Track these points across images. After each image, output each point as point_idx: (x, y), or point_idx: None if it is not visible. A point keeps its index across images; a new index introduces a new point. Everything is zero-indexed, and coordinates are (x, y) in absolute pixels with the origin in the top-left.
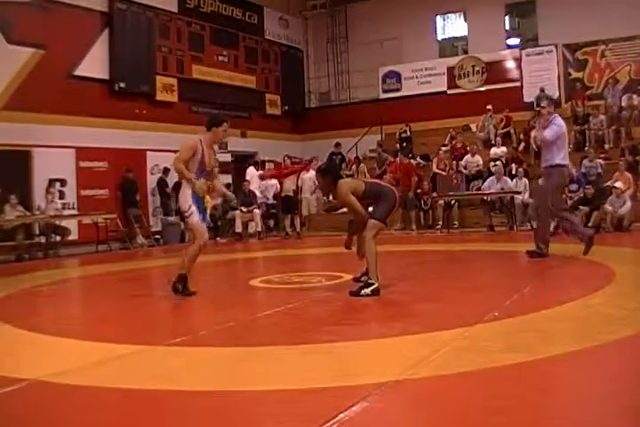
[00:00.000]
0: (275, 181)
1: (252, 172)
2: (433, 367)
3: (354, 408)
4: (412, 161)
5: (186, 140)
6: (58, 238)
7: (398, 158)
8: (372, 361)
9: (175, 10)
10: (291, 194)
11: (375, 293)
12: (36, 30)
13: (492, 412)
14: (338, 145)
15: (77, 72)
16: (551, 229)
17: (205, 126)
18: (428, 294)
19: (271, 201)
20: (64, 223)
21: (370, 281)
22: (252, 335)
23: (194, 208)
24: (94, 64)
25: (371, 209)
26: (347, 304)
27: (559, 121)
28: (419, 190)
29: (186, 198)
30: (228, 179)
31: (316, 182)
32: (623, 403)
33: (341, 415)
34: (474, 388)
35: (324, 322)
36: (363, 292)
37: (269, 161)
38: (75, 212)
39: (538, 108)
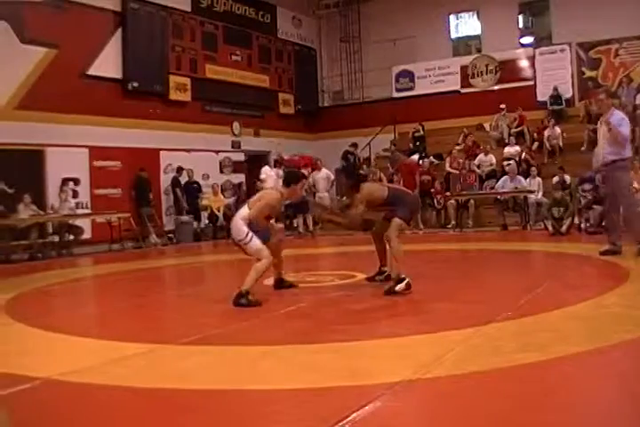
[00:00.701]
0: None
1: (267, 170)
2: (446, 367)
3: (366, 408)
4: (424, 160)
5: (270, 193)
6: (71, 237)
7: (414, 158)
8: (384, 361)
9: (188, 9)
10: (302, 193)
11: (408, 286)
12: (50, 30)
13: (506, 412)
14: (355, 145)
15: (91, 71)
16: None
17: (284, 182)
18: (440, 294)
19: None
20: (77, 222)
21: (402, 276)
22: (265, 334)
23: (251, 234)
24: (107, 64)
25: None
26: (359, 303)
27: (621, 114)
28: (432, 190)
29: (239, 228)
30: (241, 178)
31: (329, 181)
32: (637, 403)
33: (354, 415)
34: (488, 388)
35: (336, 321)
36: (397, 288)
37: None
38: (88, 211)
39: (601, 97)
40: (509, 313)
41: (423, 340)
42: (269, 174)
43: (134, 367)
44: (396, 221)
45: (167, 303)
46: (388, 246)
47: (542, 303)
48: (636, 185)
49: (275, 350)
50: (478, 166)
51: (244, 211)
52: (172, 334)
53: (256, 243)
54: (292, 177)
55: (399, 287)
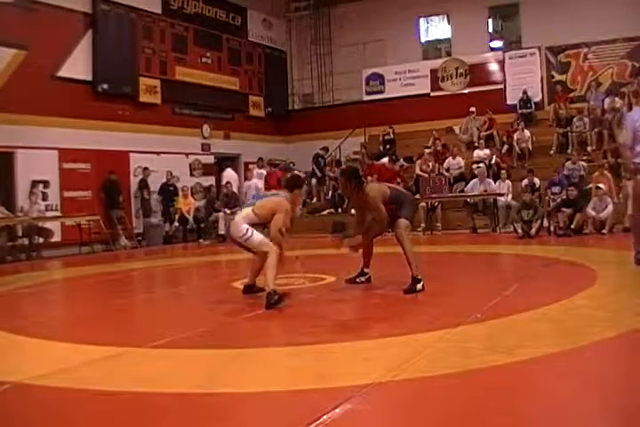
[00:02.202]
0: (254, 182)
1: (229, 174)
2: (415, 369)
3: (337, 410)
4: (395, 163)
5: (279, 202)
6: (41, 240)
7: (384, 162)
8: (354, 363)
9: (159, 11)
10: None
11: (422, 287)
12: (19, 31)
13: (473, 414)
14: (325, 149)
15: (60, 73)
16: (533, 231)
17: (287, 187)
18: (410, 296)
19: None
20: (47, 225)
21: (418, 277)
22: (236, 337)
23: (251, 229)
24: (77, 65)
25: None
26: (329, 306)
27: None
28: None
29: (238, 226)
30: (210, 180)
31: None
32: (604, 404)
33: (324, 417)
34: (457, 390)
35: (306, 324)
36: (417, 288)
37: (253, 163)
38: (58, 213)
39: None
40: (479, 315)
41: (393, 342)
42: (233, 178)
43: (104, 371)
44: (403, 221)
45: (137, 306)
46: (401, 247)
47: (511, 305)
48: (602, 186)
49: (245, 353)
50: (447, 169)
51: (247, 211)
52: (142, 338)
53: (258, 236)
54: (296, 182)
55: (418, 288)
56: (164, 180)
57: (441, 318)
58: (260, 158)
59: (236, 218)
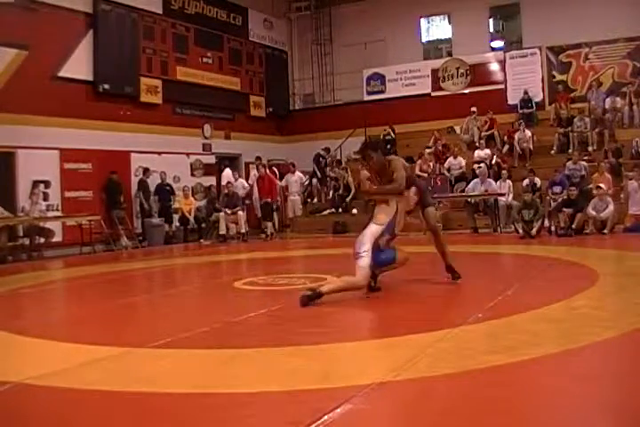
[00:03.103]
0: (240, 181)
1: (228, 174)
2: (416, 369)
3: (338, 410)
4: None
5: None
6: (42, 240)
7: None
8: (355, 363)
9: (160, 11)
10: (269, 200)
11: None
12: (20, 31)
13: (474, 414)
14: (327, 150)
15: (61, 73)
16: (534, 231)
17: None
18: (411, 296)
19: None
20: (48, 225)
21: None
22: (237, 337)
23: (369, 252)
24: (78, 65)
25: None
26: (331, 306)
27: None
28: None
29: (363, 242)
30: (211, 180)
31: (302, 183)
32: (605, 404)
33: (325, 418)
34: (458, 390)
35: (308, 324)
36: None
37: (254, 163)
38: (59, 213)
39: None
40: (480, 315)
41: (395, 342)
42: (231, 178)
43: (105, 371)
44: (432, 210)
45: (138, 307)
46: (434, 239)
47: (512, 306)
48: (603, 186)
49: (246, 353)
50: (448, 170)
51: (373, 228)
52: (144, 338)
53: (365, 262)
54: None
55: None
56: (159, 180)
57: (442, 318)
58: (258, 157)
59: (366, 230)
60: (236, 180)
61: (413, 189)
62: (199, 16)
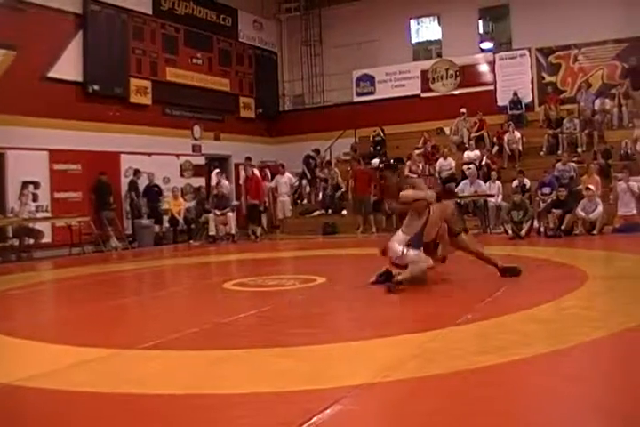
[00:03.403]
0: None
1: (216, 176)
2: (406, 370)
3: (327, 411)
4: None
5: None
6: (31, 241)
7: (375, 163)
8: (345, 364)
9: (149, 12)
10: (256, 202)
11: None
12: (9, 31)
13: (463, 414)
14: (317, 151)
15: (51, 74)
16: (523, 232)
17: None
18: (400, 297)
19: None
20: (37, 226)
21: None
22: (226, 338)
23: (405, 249)
24: (68, 66)
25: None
26: (320, 307)
27: None
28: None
29: (394, 249)
30: (201, 182)
31: (291, 185)
32: (595, 404)
33: (315, 418)
34: (448, 391)
35: (297, 325)
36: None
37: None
38: (48, 214)
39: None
40: (469, 316)
41: (385, 343)
42: (220, 179)
43: (94, 372)
44: (462, 237)
45: (128, 308)
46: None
47: (502, 306)
48: (592, 187)
49: (236, 354)
50: (439, 172)
51: (399, 236)
52: (133, 339)
53: (411, 253)
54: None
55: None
56: (147, 181)
57: (432, 319)
58: (248, 158)
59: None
60: (219, 181)
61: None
62: (189, 17)
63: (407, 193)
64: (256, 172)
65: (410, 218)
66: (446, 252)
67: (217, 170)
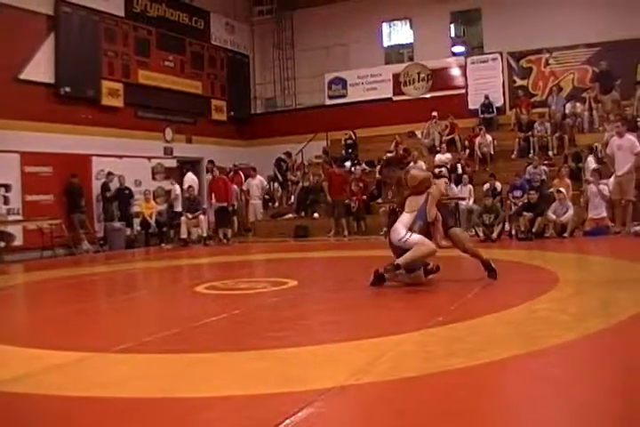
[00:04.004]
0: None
1: (190, 178)
2: (377, 373)
3: (299, 414)
4: (356, 168)
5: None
6: (2, 244)
7: (347, 166)
8: (317, 367)
9: (122, 14)
10: (224, 204)
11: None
12: None
13: (436, 417)
14: (288, 154)
15: (23, 76)
16: (495, 235)
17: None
18: (372, 300)
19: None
20: (8, 229)
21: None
22: (198, 342)
23: (409, 233)
24: (40, 68)
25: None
26: (292, 310)
27: None
28: (364, 197)
29: (399, 231)
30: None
31: (263, 187)
32: (567, 406)
33: (287, 421)
34: (418, 393)
35: (269, 328)
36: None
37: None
38: (19, 217)
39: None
40: (440, 319)
41: (356, 346)
42: (194, 182)
43: (66, 376)
44: (456, 230)
45: (100, 311)
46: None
47: (473, 309)
48: (563, 190)
49: (208, 357)
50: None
51: (404, 217)
52: (105, 342)
53: (414, 237)
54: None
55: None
56: (118, 184)
57: (403, 322)
58: (210, 161)
59: (397, 224)
60: (172, 184)
61: (443, 179)
62: (161, 19)
63: (415, 173)
64: (230, 174)
65: (410, 199)
66: (441, 245)
67: (189, 173)
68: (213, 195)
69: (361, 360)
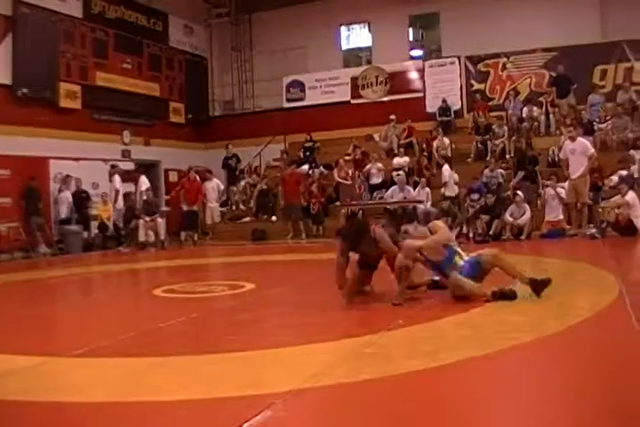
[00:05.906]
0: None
1: (144, 181)
2: (337, 375)
3: (257, 418)
4: (314, 170)
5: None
6: None
7: (304, 169)
8: (276, 370)
9: (80, 15)
10: (194, 208)
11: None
12: None
13: (395, 419)
14: (235, 156)
15: None
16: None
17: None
18: (332, 303)
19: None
20: None
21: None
22: (156, 346)
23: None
24: None
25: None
26: (250, 313)
27: None
28: (322, 200)
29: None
30: (130, 187)
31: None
32: (522, 406)
33: (245, 425)
34: (377, 395)
35: (227, 331)
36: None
37: (173, 170)
38: None
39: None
40: (400, 321)
41: (315, 349)
42: (148, 185)
43: (22, 381)
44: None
45: (58, 315)
46: None
47: (433, 311)
48: (520, 193)
49: (165, 362)
50: (367, 177)
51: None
52: (63, 346)
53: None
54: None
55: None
56: (74, 188)
57: (363, 325)
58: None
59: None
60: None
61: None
62: (119, 21)
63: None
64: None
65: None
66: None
67: (143, 176)
68: (185, 198)
69: (320, 363)
